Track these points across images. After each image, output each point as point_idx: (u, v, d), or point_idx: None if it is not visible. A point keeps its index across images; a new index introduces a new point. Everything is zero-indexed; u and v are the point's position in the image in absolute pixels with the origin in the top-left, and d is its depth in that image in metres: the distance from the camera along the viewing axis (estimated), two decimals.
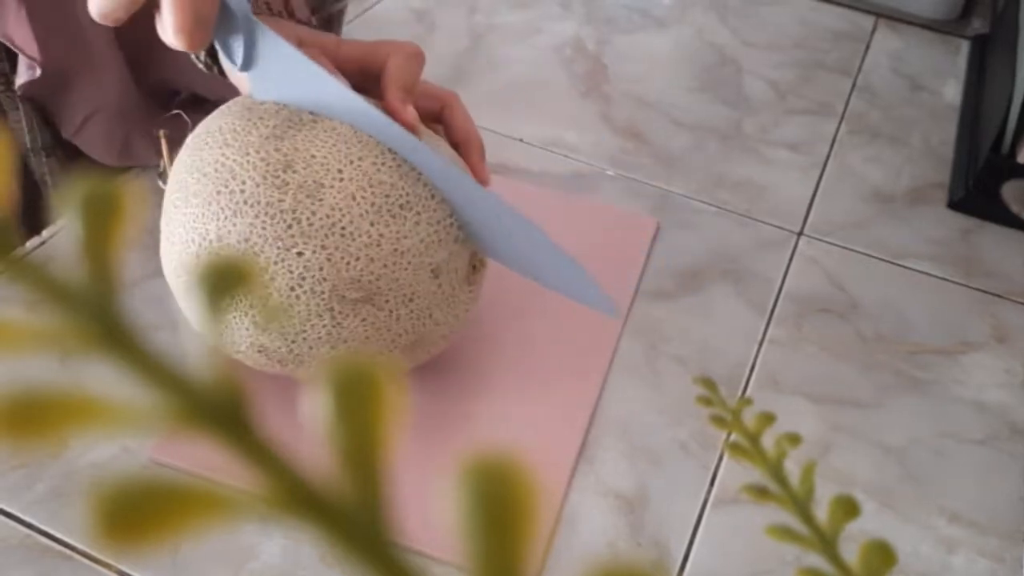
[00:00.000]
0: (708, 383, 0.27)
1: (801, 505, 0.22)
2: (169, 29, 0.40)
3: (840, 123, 0.80)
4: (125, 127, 0.64)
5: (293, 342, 0.45)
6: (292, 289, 0.44)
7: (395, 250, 0.45)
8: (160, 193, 0.49)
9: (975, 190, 0.72)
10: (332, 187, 0.44)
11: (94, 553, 0.47)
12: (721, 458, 0.54)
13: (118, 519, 0.10)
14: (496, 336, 0.58)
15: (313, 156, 0.44)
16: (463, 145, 0.51)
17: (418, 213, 0.45)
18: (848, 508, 0.21)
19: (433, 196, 0.46)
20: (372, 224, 0.44)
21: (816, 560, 0.20)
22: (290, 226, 0.43)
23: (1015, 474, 0.55)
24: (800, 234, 0.69)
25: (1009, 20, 0.82)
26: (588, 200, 0.70)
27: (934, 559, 0.50)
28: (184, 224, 0.45)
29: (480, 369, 0.56)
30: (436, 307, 0.47)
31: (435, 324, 0.48)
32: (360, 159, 0.45)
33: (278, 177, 0.44)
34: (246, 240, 0.43)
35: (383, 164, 0.45)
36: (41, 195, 0.65)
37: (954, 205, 0.73)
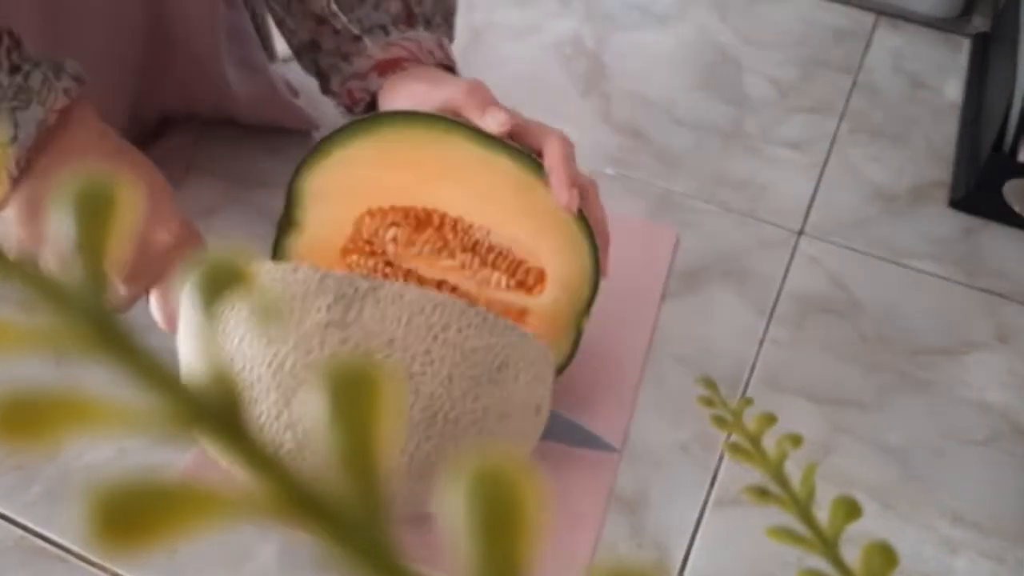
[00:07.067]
0: (709, 383, 0.27)
1: (802, 506, 0.22)
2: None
3: (841, 121, 0.80)
4: None
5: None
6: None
7: (502, 414, 0.41)
8: None
9: (977, 189, 0.71)
10: (424, 373, 0.39)
11: (89, 555, 0.46)
12: (721, 459, 0.54)
13: (114, 521, 0.10)
14: None
15: (391, 341, 0.39)
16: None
17: (517, 365, 0.41)
18: (849, 509, 0.21)
19: (523, 336, 0.42)
20: (476, 399, 0.40)
21: (817, 562, 0.20)
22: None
23: (1018, 475, 0.55)
24: (801, 233, 0.69)
25: (1010, 18, 0.82)
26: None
27: (936, 560, 0.50)
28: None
29: None
30: (534, 434, 0.45)
31: (529, 446, 0.46)
32: (444, 329, 0.39)
33: None
34: None
35: (468, 327, 0.40)
36: None
37: (956, 204, 0.72)
